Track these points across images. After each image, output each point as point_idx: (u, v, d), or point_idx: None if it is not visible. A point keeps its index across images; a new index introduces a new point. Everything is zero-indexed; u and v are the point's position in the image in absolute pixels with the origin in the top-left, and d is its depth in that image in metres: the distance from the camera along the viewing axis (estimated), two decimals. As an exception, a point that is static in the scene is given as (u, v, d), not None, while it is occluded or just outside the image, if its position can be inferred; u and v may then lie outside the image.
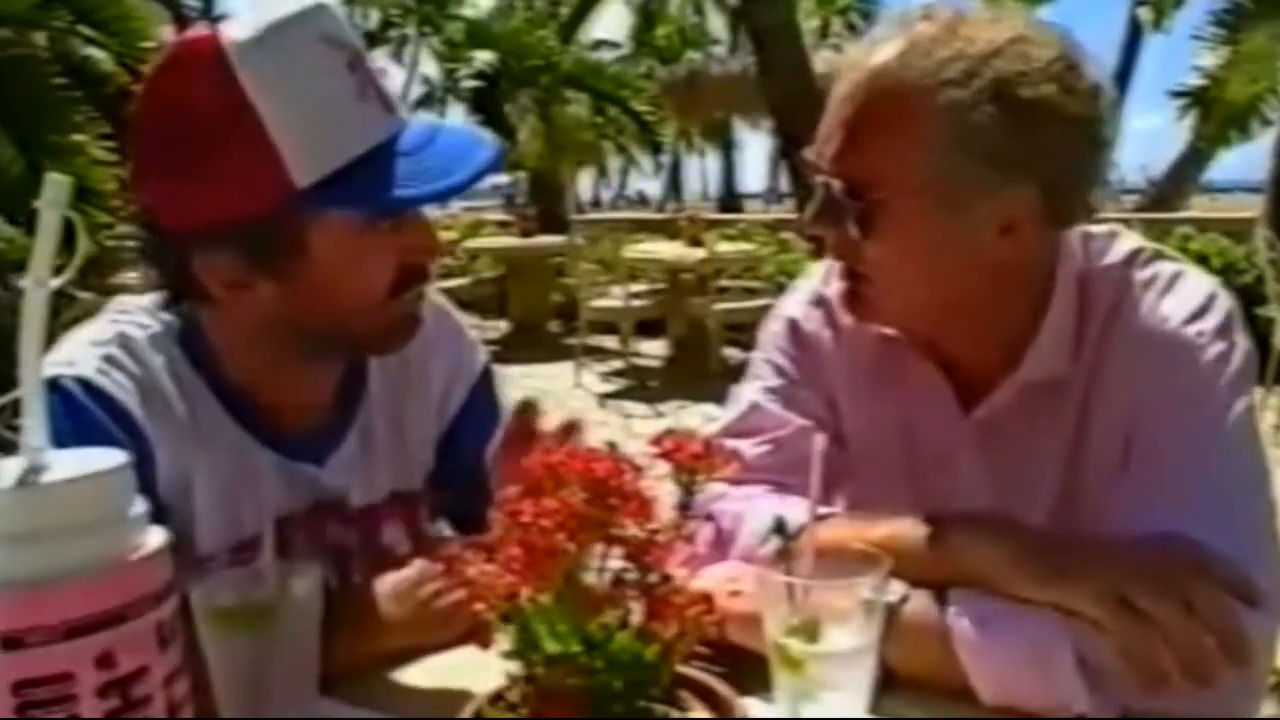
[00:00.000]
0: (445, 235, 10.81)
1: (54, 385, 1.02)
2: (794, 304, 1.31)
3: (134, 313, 1.15)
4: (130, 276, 6.75)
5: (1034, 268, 1.13)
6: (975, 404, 1.18)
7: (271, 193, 1.00)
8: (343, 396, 1.24)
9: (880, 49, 1.06)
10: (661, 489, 0.70)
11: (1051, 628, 0.91)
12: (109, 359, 1.09)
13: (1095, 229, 1.17)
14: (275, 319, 1.09)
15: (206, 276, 1.06)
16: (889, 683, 0.91)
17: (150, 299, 1.17)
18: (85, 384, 1.05)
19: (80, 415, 1.03)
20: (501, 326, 9.46)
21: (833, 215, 1.09)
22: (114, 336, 1.11)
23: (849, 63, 1.09)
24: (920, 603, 0.96)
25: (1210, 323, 1.08)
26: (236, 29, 1.01)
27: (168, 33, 9.75)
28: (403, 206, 1.07)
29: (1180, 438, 1.04)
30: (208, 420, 1.13)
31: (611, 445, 0.66)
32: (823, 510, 1.06)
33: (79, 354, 1.08)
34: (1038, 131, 1.02)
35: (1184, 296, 1.10)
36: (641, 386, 7.65)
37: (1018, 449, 1.16)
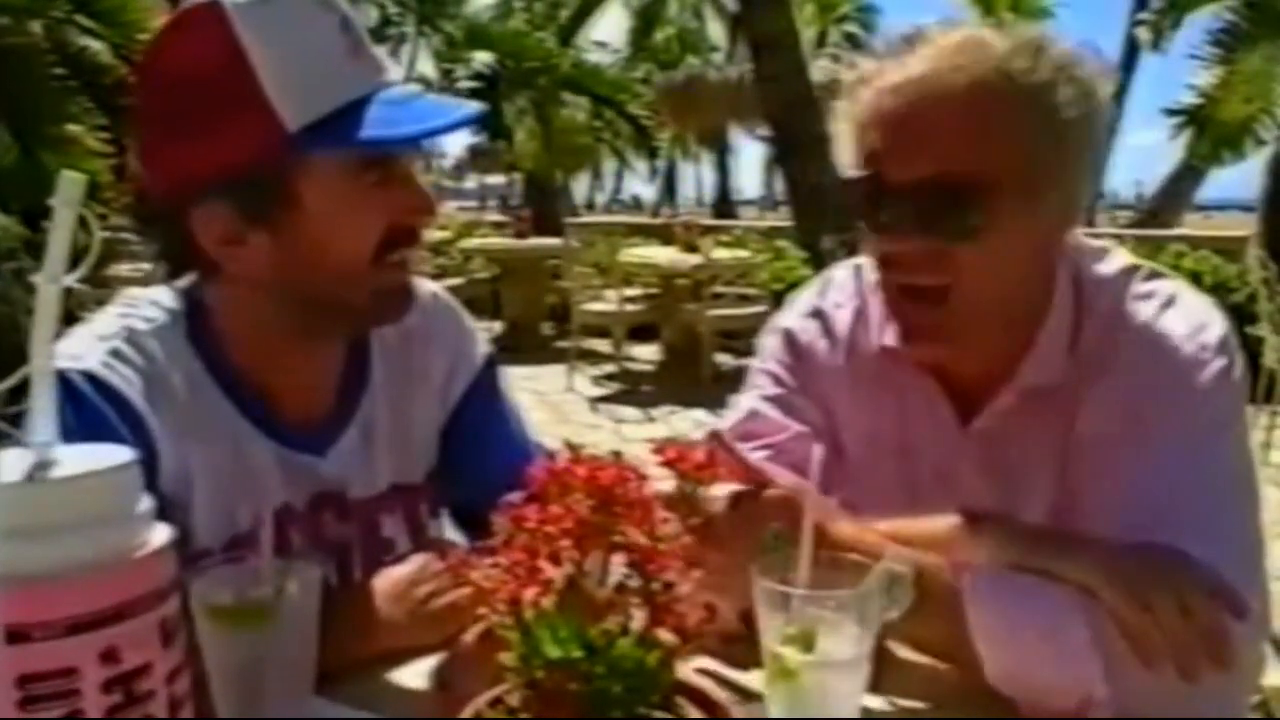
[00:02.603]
0: (439, 235, 10.92)
1: (60, 379, 1.03)
2: (791, 317, 1.32)
3: (140, 305, 1.16)
4: (125, 268, 6.74)
5: (1053, 264, 1.13)
6: (972, 415, 1.19)
7: (263, 139, 1.04)
8: (345, 387, 1.25)
9: (920, 55, 1.05)
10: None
11: (1069, 601, 0.93)
12: (115, 353, 1.09)
13: (1088, 242, 1.19)
14: (271, 281, 1.11)
15: (202, 232, 1.08)
16: (877, 689, 0.92)
17: (157, 290, 1.18)
18: (91, 378, 1.06)
19: (85, 409, 1.04)
20: (495, 328, 9.45)
21: (924, 224, 1.04)
22: (120, 330, 1.12)
23: (886, 75, 1.06)
24: (936, 570, 0.97)
25: (1211, 338, 1.09)
26: None
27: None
28: (384, 144, 1.09)
29: (1178, 453, 1.05)
30: (210, 411, 1.14)
31: (616, 454, 0.66)
32: (826, 502, 1.07)
33: (85, 348, 1.08)
34: (1093, 109, 1.04)
35: (1184, 312, 1.11)
36: (634, 391, 7.66)
37: (1014, 457, 1.17)
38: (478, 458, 1.31)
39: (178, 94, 1.07)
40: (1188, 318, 1.11)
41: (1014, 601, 0.94)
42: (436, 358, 1.32)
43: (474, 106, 1.14)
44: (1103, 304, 1.14)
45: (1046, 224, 1.08)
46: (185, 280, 1.18)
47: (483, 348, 1.38)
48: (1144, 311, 1.12)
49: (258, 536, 0.92)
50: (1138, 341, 1.11)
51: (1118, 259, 1.17)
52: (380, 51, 1.14)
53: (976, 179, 1.02)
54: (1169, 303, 1.12)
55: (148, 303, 1.17)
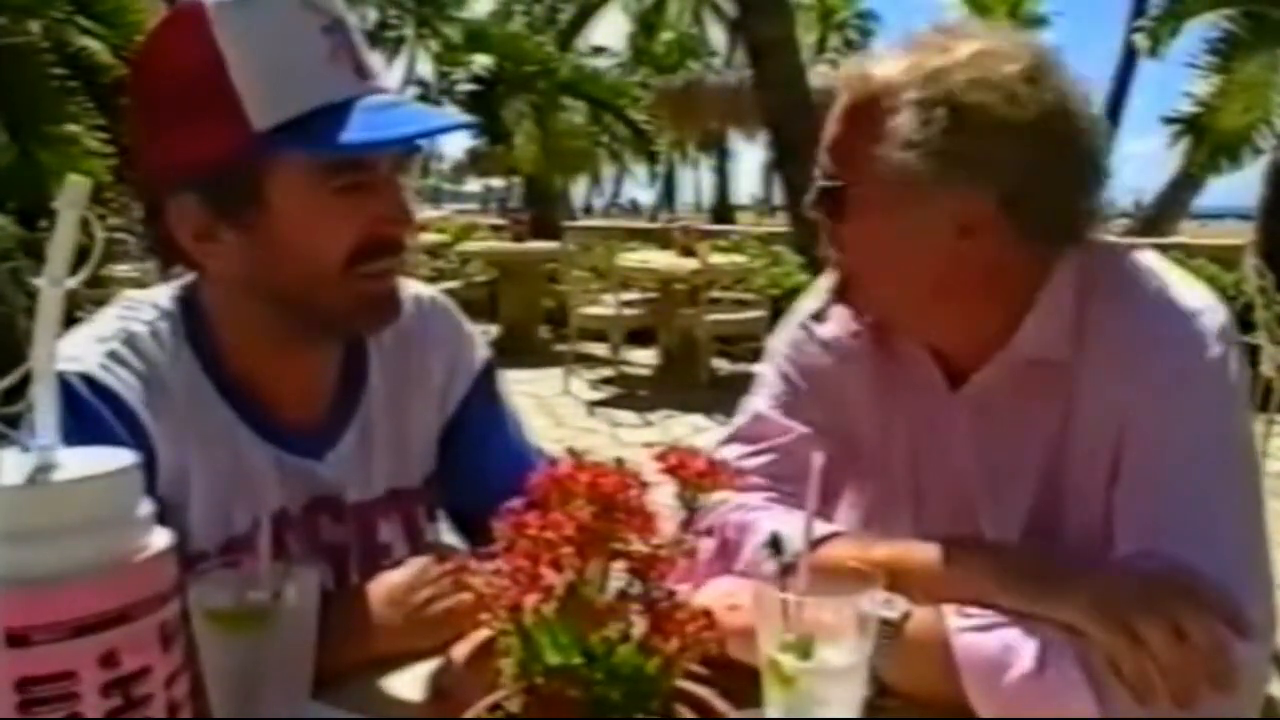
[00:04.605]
0: (437, 238, 10.92)
1: (57, 381, 1.03)
2: (805, 309, 1.33)
3: (139, 308, 1.16)
4: (123, 269, 6.74)
5: (1011, 272, 1.13)
6: (964, 382, 1.20)
7: (230, 137, 1.05)
8: (343, 391, 1.25)
9: (875, 57, 1.16)
10: (656, 496, 0.70)
11: (1057, 638, 0.93)
12: (113, 355, 1.09)
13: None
14: (248, 282, 1.12)
15: (176, 225, 1.09)
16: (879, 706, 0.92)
17: (157, 292, 1.18)
18: (89, 380, 1.06)
19: (83, 411, 1.03)
20: (492, 331, 9.45)
21: (818, 202, 1.16)
22: (119, 332, 1.12)
23: (848, 72, 1.17)
24: (923, 619, 0.97)
25: (1211, 324, 1.09)
26: None
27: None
28: (346, 150, 1.07)
29: (1180, 449, 1.05)
30: (208, 414, 1.14)
31: (619, 461, 0.66)
32: (824, 529, 1.08)
33: (84, 350, 1.08)
34: (984, 136, 1.06)
35: (1188, 296, 1.12)
36: (630, 395, 7.65)
37: (1007, 428, 1.17)
38: (477, 462, 1.31)
39: (157, 88, 1.10)
40: (1189, 304, 1.11)
41: (1001, 643, 0.94)
42: (435, 362, 1.32)
43: (455, 116, 1.15)
44: (1107, 282, 1.14)
45: (930, 230, 1.10)
46: (183, 282, 1.19)
47: (482, 352, 1.38)
48: (1146, 294, 1.12)
49: (254, 539, 0.92)
50: (1137, 323, 1.11)
51: (1127, 244, 1.18)
52: (374, 59, 1.13)
53: (834, 171, 1.14)
54: (1171, 287, 1.12)
55: (147, 305, 1.17)
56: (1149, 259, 1.16)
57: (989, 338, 1.16)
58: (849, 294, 1.21)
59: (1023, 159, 1.06)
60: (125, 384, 1.08)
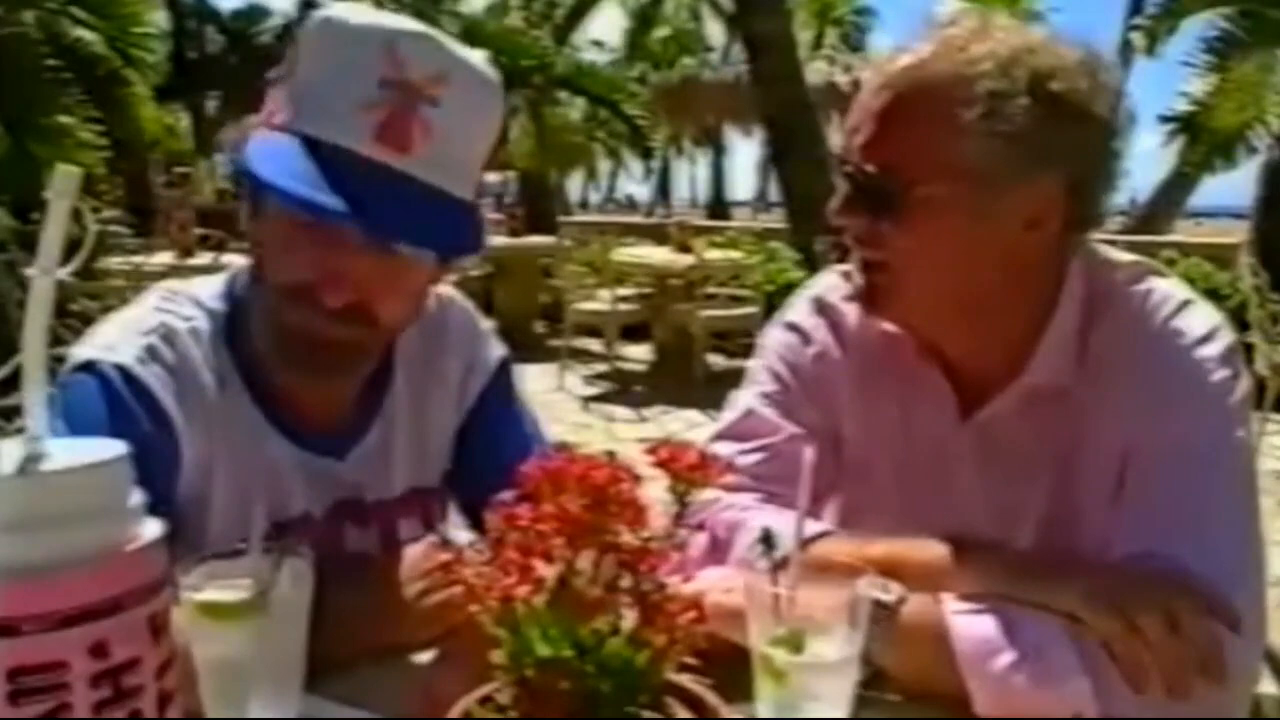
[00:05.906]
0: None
1: (92, 369, 1.06)
2: (797, 310, 1.32)
3: (181, 302, 1.16)
4: (115, 261, 6.72)
5: (1047, 271, 1.14)
6: (975, 409, 1.19)
7: (269, 118, 1.07)
8: (367, 391, 1.25)
9: (913, 49, 1.09)
10: (648, 491, 0.70)
11: (1053, 623, 0.93)
12: (150, 349, 1.10)
13: (1104, 247, 1.19)
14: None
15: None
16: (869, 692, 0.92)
17: (200, 287, 1.19)
18: (123, 372, 1.07)
19: (115, 402, 1.05)
20: (487, 325, 9.41)
21: (862, 203, 1.11)
22: (157, 326, 1.12)
23: (879, 62, 1.12)
24: (918, 605, 0.98)
25: (1217, 349, 1.10)
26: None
27: (160, 18, 9.70)
28: (266, 188, 1.04)
29: (1179, 461, 1.06)
30: (236, 412, 1.15)
31: (610, 454, 0.66)
32: (818, 527, 1.08)
33: (120, 340, 1.09)
34: (1067, 124, 1.05)
35: (1193, 321, 1.12)
36: (625, 390, 7.65)
37: (1014, 455, 1.17)
38: (492, 459, 1.30)
39: None
40: (1196, 328, 1.11)
41: (997, 626, 0.95)
42: (452, 360, 1.33)
43: (428, 233, 1.07)
44: (1113, 308, 1.14)
45: (1001, 226, 1.08)
46: (230, 275, 1.20)
47: (497, 350, 1.38)
48: (1153, 318, 1.13)
49: (276, 538, 0.91)
50: (1144, 349, 1.11)
51: (1132, 266, 1.18)
52: (430, 144, 1.05)
53: (892, 168, 1.07)
54: (1178, 311, 1.13)
55: (188, 300, 1.17)
56: (1154, 281, 1.16)
57: (1006, 351, 1.15)
58: (884, 304, 1.17)
59: (1092, 146, 1.07)
60: (158, 379, 1.09)
